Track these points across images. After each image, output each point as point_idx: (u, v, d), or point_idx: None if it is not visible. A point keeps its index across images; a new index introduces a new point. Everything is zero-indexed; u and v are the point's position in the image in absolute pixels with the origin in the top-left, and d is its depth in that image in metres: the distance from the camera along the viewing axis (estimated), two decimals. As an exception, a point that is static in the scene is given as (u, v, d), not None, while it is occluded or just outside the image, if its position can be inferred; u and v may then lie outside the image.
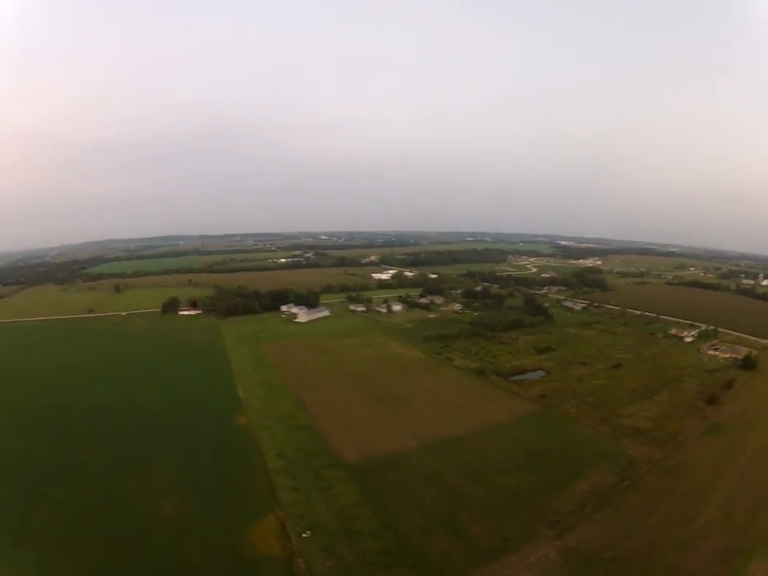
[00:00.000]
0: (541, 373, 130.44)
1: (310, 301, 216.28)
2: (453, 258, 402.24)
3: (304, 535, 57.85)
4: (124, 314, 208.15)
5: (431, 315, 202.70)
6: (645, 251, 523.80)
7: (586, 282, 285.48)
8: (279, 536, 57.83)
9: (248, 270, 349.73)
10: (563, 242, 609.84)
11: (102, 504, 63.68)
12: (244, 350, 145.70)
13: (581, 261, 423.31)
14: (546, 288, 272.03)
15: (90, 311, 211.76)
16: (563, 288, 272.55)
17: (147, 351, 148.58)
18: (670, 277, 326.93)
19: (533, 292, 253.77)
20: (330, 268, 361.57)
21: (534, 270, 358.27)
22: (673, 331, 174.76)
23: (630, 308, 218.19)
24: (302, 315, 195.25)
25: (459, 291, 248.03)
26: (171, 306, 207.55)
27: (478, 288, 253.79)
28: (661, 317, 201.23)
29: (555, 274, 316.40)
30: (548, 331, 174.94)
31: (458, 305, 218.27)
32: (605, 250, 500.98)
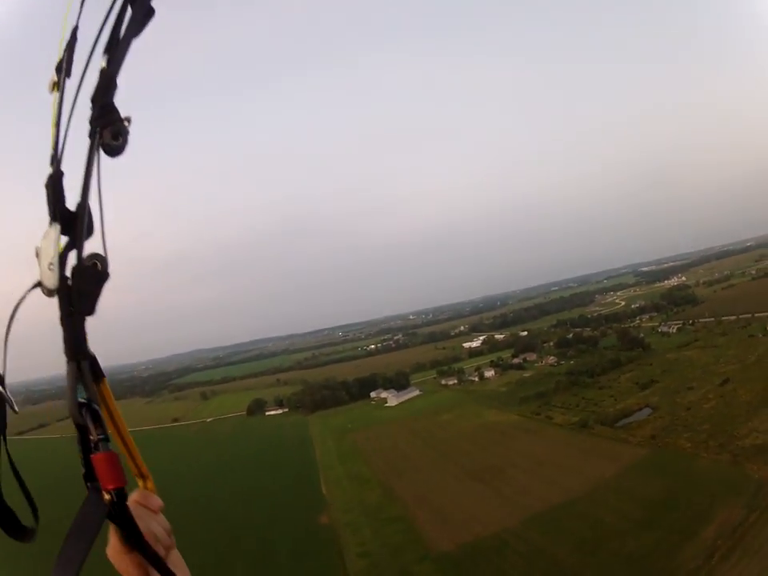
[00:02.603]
0: (648, 410, 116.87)
1: (399, 382, 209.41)
2: (541, 310, 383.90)
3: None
4: (209, 420, 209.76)
5: (526, 374, 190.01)
6: (723, 254, 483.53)
7: (676, 302, 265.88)
8: None
9: (337, 361, 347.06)
10: (645, 268, 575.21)
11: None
12: (330, 444, 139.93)
13: (665, 282, 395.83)
14: (637, 318, 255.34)
15: (175, 420, 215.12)
16: (654, 314, 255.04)
17: (228, 455, 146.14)
18: (754, 272, 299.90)
19: (625, 326, 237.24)
20: (420, 346, 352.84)
21: (623, 303, 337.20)
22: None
23: (724, 315, 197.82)
24: (392, 399, 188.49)
25: (551, 343, 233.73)
26: (257, 407, 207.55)
27: (570, 335, 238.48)
28: (756, 315, 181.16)
29: (644, 302, 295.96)
30: (648, 362, 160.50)
31: (552, 357, 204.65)
32: (686, 265, 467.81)
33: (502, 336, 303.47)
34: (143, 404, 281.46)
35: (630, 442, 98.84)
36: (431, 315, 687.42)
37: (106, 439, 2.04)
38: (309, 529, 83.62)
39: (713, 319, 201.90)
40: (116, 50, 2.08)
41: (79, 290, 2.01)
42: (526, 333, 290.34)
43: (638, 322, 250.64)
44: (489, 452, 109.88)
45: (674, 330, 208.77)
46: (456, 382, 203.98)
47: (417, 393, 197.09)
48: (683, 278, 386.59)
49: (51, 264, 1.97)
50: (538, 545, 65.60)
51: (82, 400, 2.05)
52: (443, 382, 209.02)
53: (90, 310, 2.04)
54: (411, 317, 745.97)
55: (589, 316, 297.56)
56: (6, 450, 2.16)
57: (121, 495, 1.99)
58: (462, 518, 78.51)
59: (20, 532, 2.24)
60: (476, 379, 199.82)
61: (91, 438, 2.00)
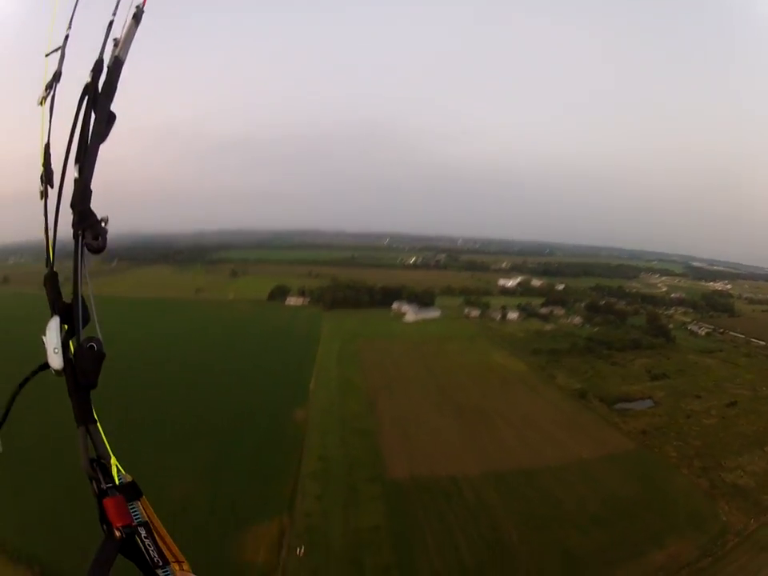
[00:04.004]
0: (649, 402, 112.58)
1: (423, 300, 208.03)
2: (584, 270, 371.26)
3: (298, 551, 50.21)
4: (231, 297, 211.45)
5: (548, 327, 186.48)
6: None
7: (714, 306, 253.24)
8: (273, 545, 50.79)
9: (374, 266, 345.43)
10: (696, 264, 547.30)
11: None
12: (335, 345, 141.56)
13: (711, 283, 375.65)
14: (672, 308, 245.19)
15: (198, 291, 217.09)
16: (690, 310, 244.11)
17: (234, 336, 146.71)
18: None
19: (658, 311, 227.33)
20: (458, 271, 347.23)
21: (664, 289, 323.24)
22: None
23: (754, 337, 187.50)
24: (410, 314, 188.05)
25: (583, 304, 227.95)
26: (278, 293, 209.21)
27: (602, 302, 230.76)
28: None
29: (684, 295, 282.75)
30: (667, 355, 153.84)
31: (578, 318, 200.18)
32: (734, 274, 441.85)
33: (538, 283, 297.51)
34: (171, 272, 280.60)
35: (620, 429, 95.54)
36: (478, 245, 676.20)
37: (114, 487, 2.65)
38: (281, 420, 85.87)
39: (743, 336, 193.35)
40: (85, 158, 2.52)
41: (81, 369, 2.55)
42: (563, 287, 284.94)
43: (671, 311, 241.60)
44: (483, 393, 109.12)
45: (703, 333, 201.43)
46: (478, 315, 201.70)
47: (436, 314, 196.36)
48: (728, 286, 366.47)
49: (56, 349, 2.54)
50: (487, 503, 65.01)
51: (92, 457, 2.65)
52: (466, 311, 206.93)
53: (93, 385, 2.59)
54: (460, 241, 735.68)
55: (627, 290, 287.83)
56: None
57: (129, 530, 2.53)
58: (428, 451, 78.91)
59: None
60: (498, 318, 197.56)
61: (102, 486, 2.62)
